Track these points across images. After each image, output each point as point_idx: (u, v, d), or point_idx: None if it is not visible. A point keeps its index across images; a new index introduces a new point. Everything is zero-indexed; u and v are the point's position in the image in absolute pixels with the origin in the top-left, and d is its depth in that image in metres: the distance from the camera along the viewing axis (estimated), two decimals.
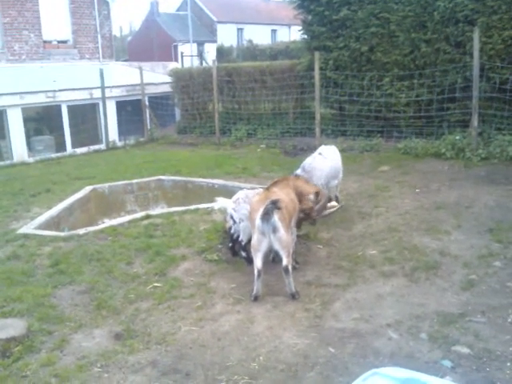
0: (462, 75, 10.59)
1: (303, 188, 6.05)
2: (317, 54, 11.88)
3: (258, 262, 5.08)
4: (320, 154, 7.20)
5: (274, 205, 4.92)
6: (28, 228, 7.33)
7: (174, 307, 5.01)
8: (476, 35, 9.72)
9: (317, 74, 11.91)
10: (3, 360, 4.14)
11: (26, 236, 6.98)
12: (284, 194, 5.47)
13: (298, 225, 6.19)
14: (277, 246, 5.05)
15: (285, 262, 5.02)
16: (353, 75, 12.15)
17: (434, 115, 11.04)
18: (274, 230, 4.98)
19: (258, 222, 5.01)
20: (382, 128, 11.89)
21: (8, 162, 12.99)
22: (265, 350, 4.23)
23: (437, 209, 7.26)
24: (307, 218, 6.23)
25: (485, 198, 7.54)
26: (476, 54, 9.78)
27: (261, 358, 4.13)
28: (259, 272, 5.05)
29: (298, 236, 6.07)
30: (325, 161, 7.09)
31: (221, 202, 6.47)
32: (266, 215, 4.94)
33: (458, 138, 10.10)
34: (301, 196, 5.95)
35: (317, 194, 6.02)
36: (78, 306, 5.09)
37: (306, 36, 13.38)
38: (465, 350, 3.99)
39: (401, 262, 5.67)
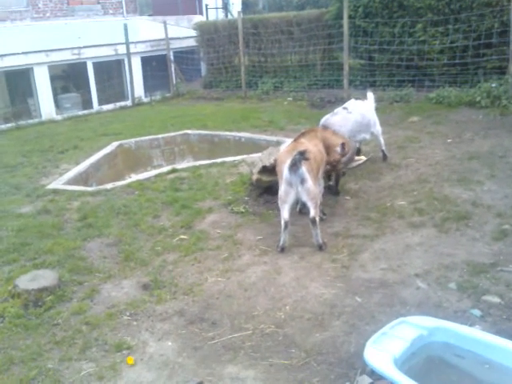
0: (499, 19, 10.02)
1: (331, 140, 5.92)
2: (346, 1, 11.38)
3: (284, 214, 5.04)
4: (345, 108, 6.87)
5: (302, 155, 4.82)
6: (57, 183, 7.45)
7: (200, 259, 5.04)
8: None
9: (346, 22, 11.47)
10: (35, 309, 4.25)
11: (55, 191, 7.10)
12: (312, 145, 5.36)
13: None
14: (304, 198, 4.99)
15: (312, 213, 4.96)
16: (384, 23, 11.63)
17: (470, 62, 10.54)
18: (302, 181, 4.91)
19: (285, 172, 4.94)
20: (414, 77, 11.45)
21: (37, 119, 13.09)
22: (291, 300, 4.24)
23: (469, 159, 7.02)
24: (333, 170, 6.12)
25: None
26: None
27: (287, 307, 4.14)
28: (286, 223, 5.03)
29: (324, 187, 5.99)
30: (348, 116, 6.71)
31: None
32: (294, 166, 4.86)
33: (494, 85, 9.65)
34: (328, 148, 5.83)
35: (343, 145, 5.86)
36: (106, 257, 5.18)
37: None
38: (495, 300, 3.90)
39: (430, 213, 5.54)
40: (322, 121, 6.59)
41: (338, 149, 5.83)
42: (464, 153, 7.30)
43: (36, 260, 5.11)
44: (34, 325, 4.06)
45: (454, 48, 10.74)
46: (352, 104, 7.01)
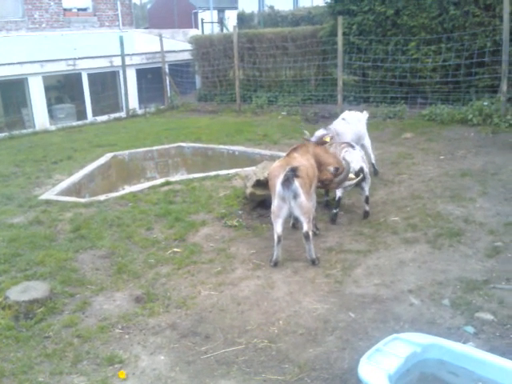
0: (492, 39, 10.20)
1: (323, 158, 5.82)
2: (340, 19, 11.53)
3: (278, 228, 5.04)
4: (343, 119, 7.11)
5: (294, 172, 4.85)
6: (50, 194, 7.40)
7: (193, 272, 5.02)
8: None
9: (340, 39, 11.60)
10: (26, 321, 4.20)
11: (48, 202, 7.05)
12: (304, 160, 5.37)
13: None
14: (297, 212, 5.00)
15: (305, 227, 4.97)
16: (377, 40, 11.79)
17: (462, 80, 10.69)
18: (295, 196, 4.93)
19: (278, 187, 4.95)
20: (407, 94, 11.58)
21: (30, 129, 13.09)
22: (284, 314, 4.22)
23: (462, 176, 7.08)
24: (326, 188, 6.11)
25: None
26: (506, 17, 9.38)
27: (280, 322, 4.12)
28: (279, 238, 5.03)
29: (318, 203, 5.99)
30: (347, 126, 6.98)
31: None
32: (287, 181, 4.88)
33: (485, 103, 9.78)
34: (320, 165, 5.78)
35: (337, 169, 5.79)
36: (98, 269, 5.14)
37: (329, 0, 12.99)
38: (488, 317, 3.91)
39: (424, 229, 5.57)
40: (333, 128, 6.71)
41: (331, 168, 5.74)
42: (456, 170, 7.36)
43: (27, 271, 5.06)
44: (24, 337, 4.01)
45: (447, 66, 10.88)
46: (348, 115, 7.19)
